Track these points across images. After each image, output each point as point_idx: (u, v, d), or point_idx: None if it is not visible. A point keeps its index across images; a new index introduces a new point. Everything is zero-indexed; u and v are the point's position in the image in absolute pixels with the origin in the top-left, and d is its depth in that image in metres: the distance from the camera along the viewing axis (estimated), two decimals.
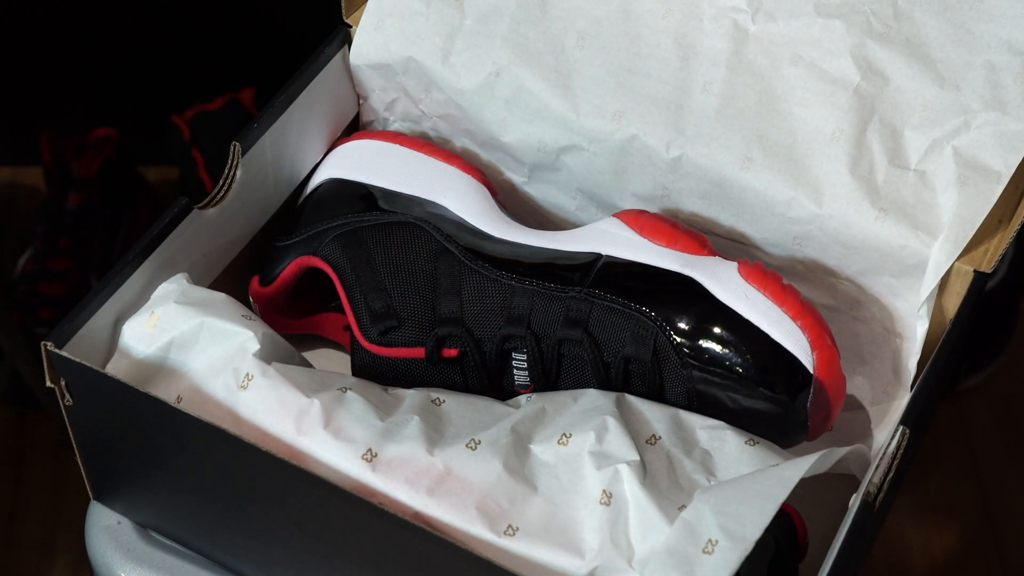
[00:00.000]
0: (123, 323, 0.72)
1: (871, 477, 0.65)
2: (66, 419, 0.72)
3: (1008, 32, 0.73)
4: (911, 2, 0.75)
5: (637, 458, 0.67)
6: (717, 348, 0.72)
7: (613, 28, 0.81)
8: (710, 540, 0.62)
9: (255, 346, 0.71)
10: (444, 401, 0.72)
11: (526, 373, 0.77)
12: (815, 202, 0.78)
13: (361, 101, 0.88)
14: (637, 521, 0.65)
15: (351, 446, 0.68)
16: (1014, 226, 0.75)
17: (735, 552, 0.62)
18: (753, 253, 0.81)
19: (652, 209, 0.83)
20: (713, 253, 0.77)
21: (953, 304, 0.77)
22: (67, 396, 0.70)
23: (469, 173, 0.82)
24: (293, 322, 0.83)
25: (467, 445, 0.68)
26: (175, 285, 0.74)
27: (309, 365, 0.76)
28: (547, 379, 0.76)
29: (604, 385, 0.75)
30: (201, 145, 1.46)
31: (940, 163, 0.75)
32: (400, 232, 0.79)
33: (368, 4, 0.85)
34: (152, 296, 0.74)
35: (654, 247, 0.77)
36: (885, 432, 0.80)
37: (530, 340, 0.75)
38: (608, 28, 0.81)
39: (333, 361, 0.84)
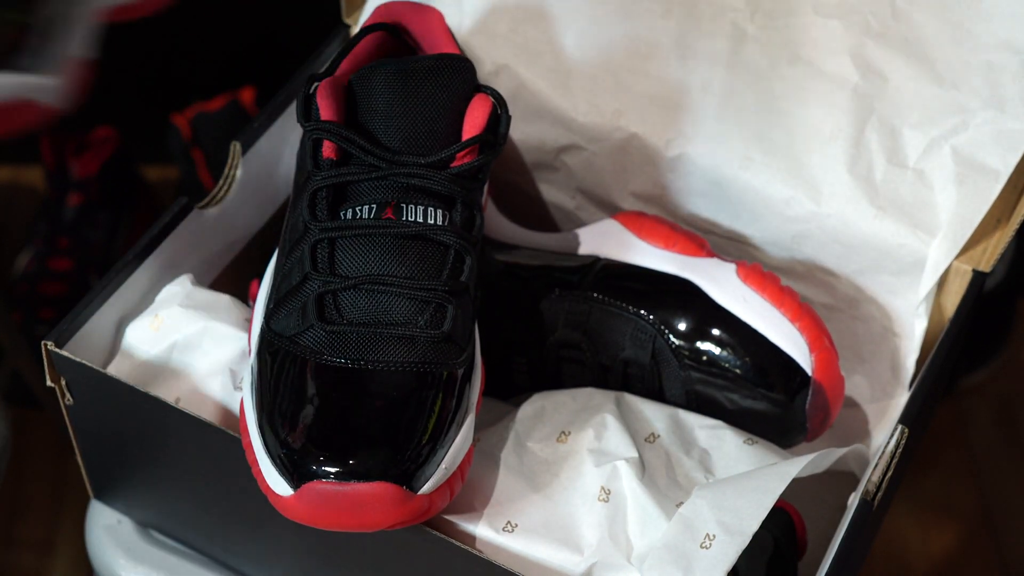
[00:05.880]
0: (124, 323, 0.72)
1: (870, 476, 0.65)
2: (66, 418, 0.72)
3: (1006, 31, 0.73)
4: (909, 2, 0.75)
5: (636, 455, 0.67)
6: (715, 350, 0.72)
7: (613, 28, 0.81)
8: (707, 535, 0.63)
9: None
10: None
11: (525, 374, 0.77)
12: (814, 201, 0.78)
13: None
14: (635, 517, 0.65)
15: None
16: (1013, 225, 0.75)
17: (732, 546, 0.62)
18: (752, 252, 0.81)
19: (651, 208, 0.83)
20: (711, 254, 0.77)
21: (952, 303, 0.77)
22: (67, 395, 0.70)
23: None
24: None
25: None
26: (179, 287, 0.74)
27: None
28: (546, 380, 0.76)
29: (603, 387, 0.75)
30: (201, 145, 1.46)
31: (938, 162, 0.75)
32: None
33: (368, 4, 0.85)
34: (156, 299, 0.74)
35: (652, 249, 0.77)
36: (884, 431, 0.80)
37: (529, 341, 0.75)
38: (608, 28, 0.81)
39: None
